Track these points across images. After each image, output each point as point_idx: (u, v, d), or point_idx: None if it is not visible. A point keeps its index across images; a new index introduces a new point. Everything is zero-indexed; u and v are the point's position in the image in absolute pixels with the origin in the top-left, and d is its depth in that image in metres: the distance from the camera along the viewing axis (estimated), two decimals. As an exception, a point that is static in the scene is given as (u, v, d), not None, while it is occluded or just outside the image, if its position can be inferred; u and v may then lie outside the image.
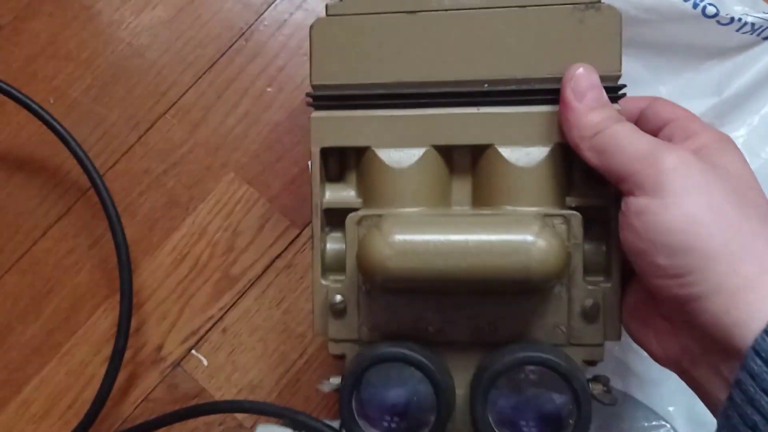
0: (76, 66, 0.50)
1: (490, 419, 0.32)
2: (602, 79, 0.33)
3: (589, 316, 0.33)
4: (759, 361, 0.25)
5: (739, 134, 0.41)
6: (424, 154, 0.35)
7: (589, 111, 0.32)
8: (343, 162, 0.37)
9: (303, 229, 0.48)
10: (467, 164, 0.35)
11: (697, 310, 0.28)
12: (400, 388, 0.33)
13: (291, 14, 0.51)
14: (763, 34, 0.41)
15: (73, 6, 0.51)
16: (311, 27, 0.36)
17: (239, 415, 0.46)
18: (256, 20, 0.51)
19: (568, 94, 0.32)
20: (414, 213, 0.34)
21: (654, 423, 0.42)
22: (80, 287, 0.48)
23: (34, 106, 0.46)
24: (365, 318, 0.34)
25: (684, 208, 0.28)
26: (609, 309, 0.33)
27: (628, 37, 0.35)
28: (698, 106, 0.42)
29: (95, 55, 0.50)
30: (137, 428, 0.44)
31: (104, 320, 0.48)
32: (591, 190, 0.34)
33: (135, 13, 0.51)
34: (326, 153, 0.36)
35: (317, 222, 0.35)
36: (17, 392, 0.48)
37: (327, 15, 0.36)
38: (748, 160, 0.33)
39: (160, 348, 0.47)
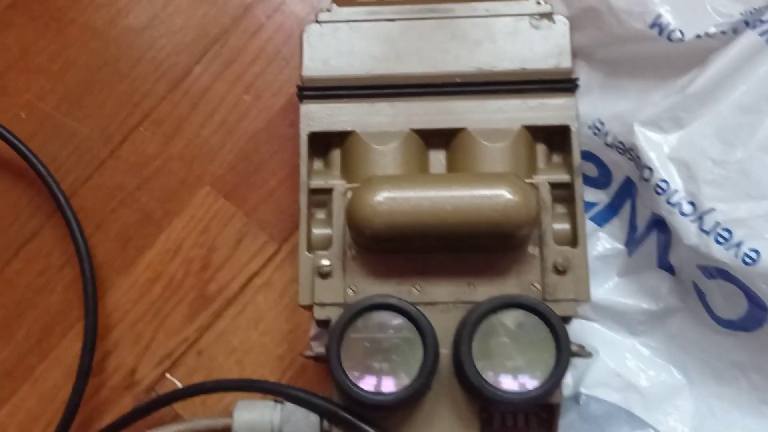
0: (47, 79, 0.49)
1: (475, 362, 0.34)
2: (555, 73, 0.39)
3: (561, 270, 0.36)
4: None
5: (708, 127, 0.38)
6: (405, 136, 0.39)
7: None
8: (328, 148, 0.40)
9: (281, 245, 0.46)
10: (442, 142, 0.40)
11: None
12: (386, 338, 0.34)
13: (269, 17, 0.49)
14: (737, 29, 0.38)
15: (44, 17, 0.49)
16: (302, 32, 0.40)
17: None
18: (232, 24, 0.48)
19: None
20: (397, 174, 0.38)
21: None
22: (52, 309, 0.47)
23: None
24: (351, 281, 0.36)
25: None
26: (578, 271, 0.36)
27: (593, 51, 0.42)
28: (662, 104, 0.39)
29: (67, 66, 0.49)
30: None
31: (77, 343, 0.46)
32: (552, 168, 0.39)
33: (107, 22, 0.49)
34: (314, 140, 0.39)
35: (304, 198, 0.38)
36: (-9, 418, 0.46)
37: (317, 22, 0.40)
38: (722, 151, 0.36)
39: (133, 371, 0.45)
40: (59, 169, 0.48)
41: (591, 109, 0.42)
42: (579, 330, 0.41)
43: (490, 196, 0.34)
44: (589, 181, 0.43)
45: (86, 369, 0.43)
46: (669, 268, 0.40)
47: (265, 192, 0.46)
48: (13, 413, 0.46)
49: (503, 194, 0.33)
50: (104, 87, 0.48)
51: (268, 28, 0.48)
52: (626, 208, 0.42)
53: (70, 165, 0.48)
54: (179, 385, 0.45)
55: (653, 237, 0.40)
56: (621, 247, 0.42)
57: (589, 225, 0.42)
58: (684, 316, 0.40)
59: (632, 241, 0.41)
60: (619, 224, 0.42)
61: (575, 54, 0.40)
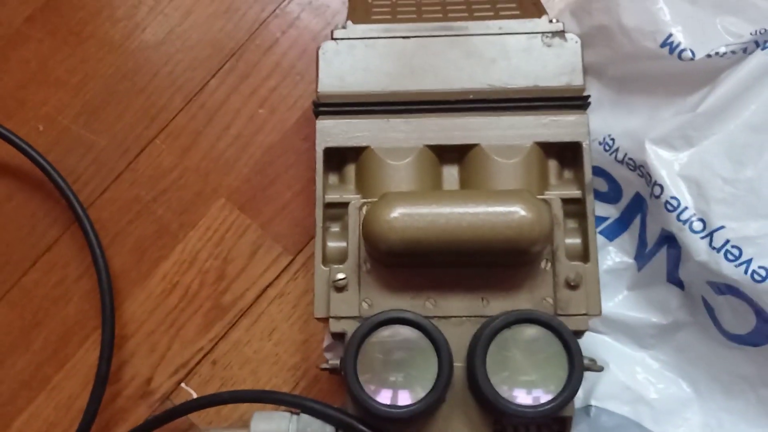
0: (65, 92, 0.49)
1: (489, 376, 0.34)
2: (567, 90, 0.39)
3: (573, 285, 0.36)
4: None
5: (719, 145, 0.38)
6: (419, 152, 0.39)
7: None
8: (343, 163, 0.41)
9: (296, 256, 0.47)
10: (455, 157, 0.40)
11: None
12: (401, 351, 0.35)
13: (283, 32, 0.49)
14: (747, 48, 0.39)
15: (62, 31, 0.50)
16: (318, 49, 0.40)
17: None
18: (247, 39, 0.49)
19: None
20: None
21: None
22: (69, 319, 0.47)
23: (17, 140, 0.45)
24: (366, 295, 0.37)
25: None
26: (589, 285, 0.37)
27: (604, 68, 0.43)
28: (672, 122, 0.39)
29: (85, 80, 0.49)
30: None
31: (93, 353, 0.47)
32: (564, 184, 0.39)
33: (124, 36, 0.50)
34: (329, 154, 0.40)
35: (319, 212, 0.39)
36: (7, 427, 0.47)
37: (332, 39, 0.41)
38: (732, 170, 0.36)
39: (149, 381, 0.46)
40: (77, 181, 0.48)
41: (602, 125, 0.43)
42: (589, 343, 0.42)
43: (505, 212, 0.34)
44: (599, 195, 0.44)
45: (103, 378, 0.43)
46: (678, 283, 0.40)
47: (279, 204, 0.47)
48: (30, 422, 0.47)
49: (517, 211, 0.34)
50: (121, 100, 0.49)
51: (282, 43, 0.49)
52: (636, 223, 0.42)
53: (87, 177, 0.48)
54: (194, 394, 0.45)
55: (663, 252, 0.41)
56: (630, 261, 0.43)
57: (599, 239, 0.43)
58: (693, 330, 0.40)
59: (642, 256, 0.42)
60: (629, 239, 0.43)
61: (586, 70, 0.41)
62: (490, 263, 0.36)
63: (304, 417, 0.37)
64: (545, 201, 0.37)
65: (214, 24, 0.49)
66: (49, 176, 0.46)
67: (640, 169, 0.40)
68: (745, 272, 0.35)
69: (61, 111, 0.49)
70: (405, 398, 0.35)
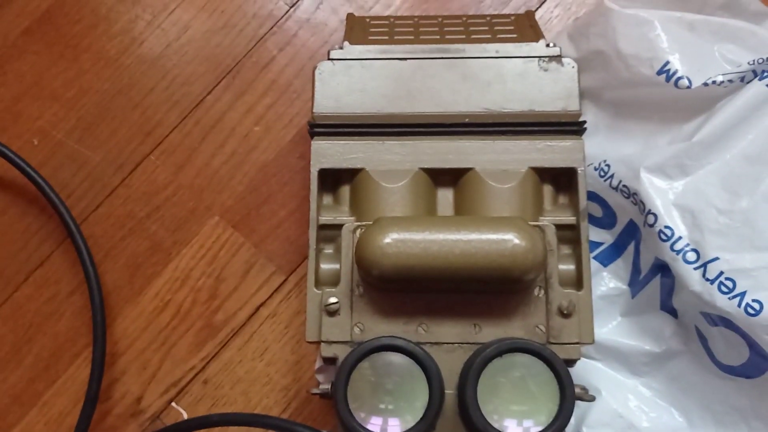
0: (60, 106, 0.49)
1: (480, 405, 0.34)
2: (563, 115, 0.39)
3: (566, 314, 0.36)
4: None
5: (714, 175, 0.38)
6: (413, 175, 0.39)
7: None
8: (338, 184, 0.41)
9: (289, 276, 0.46)
10: (450, 181, 0.40)
11: None
12: (392, 378, 0.35)
13: (281, 50, 0.49)
14: (744, 77, 0.38)
15: (58, 44, 0.50)
16: (315, 69, 0.40)
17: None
18: (244, 56, 0.49)
19: None
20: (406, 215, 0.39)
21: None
22: (60, 335, 0.47)
23: (10, 154, 0.45)
24: (358, 319, 0.37)
25: None
26: (582, 313, 0.36)
27: (600, 92, 0.43)
28: (668, 150, 0.39)
29: (80, 94, 0.49)
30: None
31: (84, 369, 0.46)
32: (558, 209, 0.39)
33: (120, 51, 0.49)
34: (324, 176, 0.40)
35: (313, 234, 0.39)
36: (-3, 442, 0.47)
37: (329, 59, 0.41)
38: (727, 200, 0.36)
39: (139, 400, 0.46)
40: (70, 196, 0.48)
41: (598, 149, 0.42)
42: (582, 369, 0.42)
43: (498, 240, 0.34)
44: (594, 221, 0.43)
45: (94, 396, 0.43)
46: (672, 312, 0.40)
47: (273, 223, 0.47)
48: (20, 438, 0.46)
49: (511, 239, 0.34)
50: (117, 115, 0.49)
51: (279, 61, 0.49)
52: (630, 250, 0.42)
53: (81, 192, 0.48)
54: (185, 414, 0.45)
55: (657, 280, 0.40)
56: (624, 287, 0.42)
57: (594, 264, 0.43)
58: (686, 359, 0.40)
59: (636, 283, 0.42)
60: (623, 265, 0.43)
61: (583, 94, 0.41)
62: (483, 290, 0.36)
63: None
64: (539, 228, 0.37)
65: (212, 39, 0.49)
66: (42, 191, 0.46)
67: (634, 196, 0.40)
68: (739, 305, 0.35)
69: (55, 125, 0.49)
70: (395, 426, 0.35)
